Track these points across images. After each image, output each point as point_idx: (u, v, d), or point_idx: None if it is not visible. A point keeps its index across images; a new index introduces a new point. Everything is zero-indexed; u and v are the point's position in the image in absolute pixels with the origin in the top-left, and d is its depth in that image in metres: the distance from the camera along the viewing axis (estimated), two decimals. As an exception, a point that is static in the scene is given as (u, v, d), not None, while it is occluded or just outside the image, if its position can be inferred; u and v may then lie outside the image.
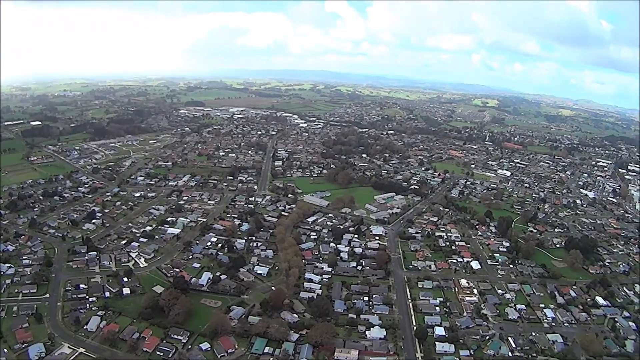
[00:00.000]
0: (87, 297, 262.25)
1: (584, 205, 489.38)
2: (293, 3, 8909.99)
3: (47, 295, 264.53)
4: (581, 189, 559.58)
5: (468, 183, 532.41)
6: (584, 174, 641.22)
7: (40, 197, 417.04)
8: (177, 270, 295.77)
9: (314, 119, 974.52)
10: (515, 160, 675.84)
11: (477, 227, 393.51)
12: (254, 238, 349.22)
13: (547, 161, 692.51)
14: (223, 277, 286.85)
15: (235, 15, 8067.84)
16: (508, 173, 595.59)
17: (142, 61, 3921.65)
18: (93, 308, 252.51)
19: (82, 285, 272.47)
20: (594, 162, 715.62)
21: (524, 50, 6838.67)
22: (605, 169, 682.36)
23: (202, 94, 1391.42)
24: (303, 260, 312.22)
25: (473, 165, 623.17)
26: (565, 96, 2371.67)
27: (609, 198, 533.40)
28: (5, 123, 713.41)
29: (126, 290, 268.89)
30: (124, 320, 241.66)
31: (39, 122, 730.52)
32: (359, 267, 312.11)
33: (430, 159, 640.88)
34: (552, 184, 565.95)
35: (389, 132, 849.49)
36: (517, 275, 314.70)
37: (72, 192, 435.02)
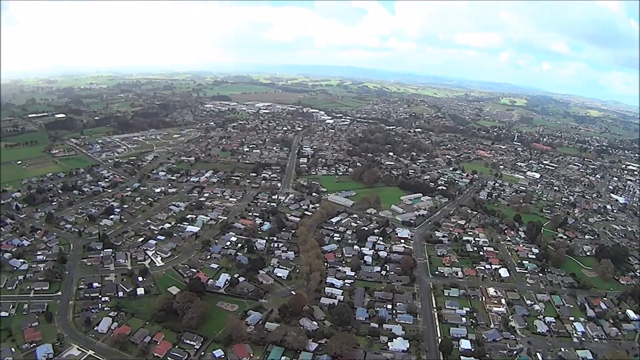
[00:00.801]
0: (100, 296, 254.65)
1: (615, 211, 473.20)
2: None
3: (59, 293, 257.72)
4: (611, 194, 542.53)
5: (497, 185, 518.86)
6: (614, 178, 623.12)
7: (59, 191, 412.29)
8: (194, 270, 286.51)
9: (341, 115, 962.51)
10: (544, 162, 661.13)
11: (505, 231, 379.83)
12: (275, 238, 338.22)
13: (576, 163, 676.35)
14: (241, 279, 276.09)
15: (261, 8, 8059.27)
16: (537, 175, 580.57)
17: (170, 54, 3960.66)
18: (105, 308, 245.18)
19: (95, 284, 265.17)
20: (623, 166, 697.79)
21: (552, 49, 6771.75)
22: (636, 172, 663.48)
23: (228, 88, 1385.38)
24: (325, 263, 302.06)
25: (502, 166, 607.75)
26: (593, 97, 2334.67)
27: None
28: (30, 115, 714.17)
29: (140, 291, 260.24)
30: (136, 322, 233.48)
31: (63, 115, 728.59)
32: (383, 272, 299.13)
33: (458, 159, 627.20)
34: (582, 188, 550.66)
35: (416, 130, 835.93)
36: (547, 285, 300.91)
37: (92, 187, 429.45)
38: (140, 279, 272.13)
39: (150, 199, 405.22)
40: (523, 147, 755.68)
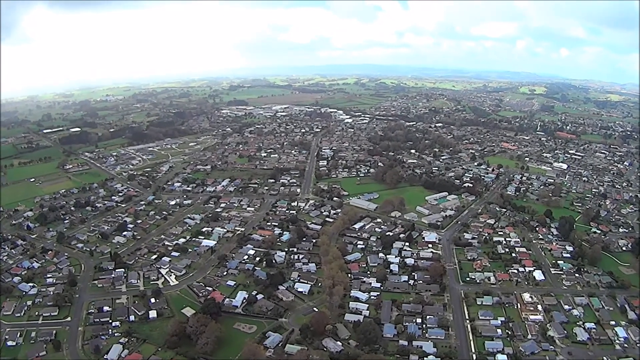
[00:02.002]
0: (110, 321, 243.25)
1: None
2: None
3: (69, 318, 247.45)
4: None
5: (524, 178, 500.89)
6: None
7: (72, 208, 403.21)
8: (210, 289, 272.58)
9: (359, 113, 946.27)
10: (570, 152, 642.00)
11: (537, 229, 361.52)
12: (295, 249, 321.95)
13: (602, 151, 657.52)
14: (259, 296, 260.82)
15: (277, 11, 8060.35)
16: (564, 166, 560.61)
17: (186, 62, 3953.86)
18: (116, 334, 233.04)
19: (105, 308, 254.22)
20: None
21: (569, 35, 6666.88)
22: None
23: (244, 92, 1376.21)
24: (349, 275, 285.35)
25: (527, 158, 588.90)
26: (612, 80, 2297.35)
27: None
28: (45, 131, 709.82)
29: (153, 314, 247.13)
30: (148, 348, 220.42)
31: (78, 129, 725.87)
32: (411, 282, 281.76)
33: (482, 153, 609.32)
34: (611, 177, 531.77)
35: (437, 124, 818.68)
36: (584, 286, 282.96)
37: (105, 202, 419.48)
38: (152, 300, 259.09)
39: (164, 212, 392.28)
40: (547, 137, 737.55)
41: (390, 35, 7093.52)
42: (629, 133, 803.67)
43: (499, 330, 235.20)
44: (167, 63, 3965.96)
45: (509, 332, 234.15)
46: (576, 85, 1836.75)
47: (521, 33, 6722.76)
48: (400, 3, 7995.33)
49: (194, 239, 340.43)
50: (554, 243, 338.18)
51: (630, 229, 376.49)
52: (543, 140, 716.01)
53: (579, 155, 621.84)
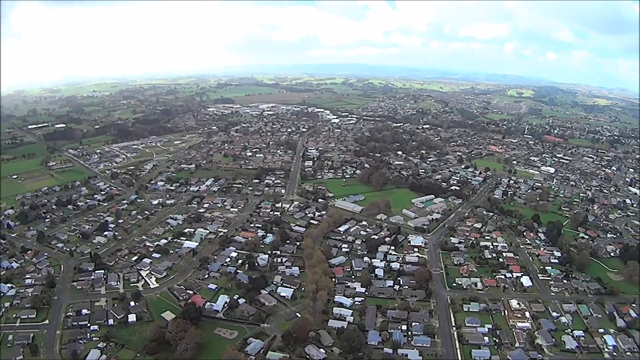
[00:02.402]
0: (89, 325, 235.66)
1: (635, 206, 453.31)
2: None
3: (47, 321, 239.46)
4: (629, 187, 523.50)
5: (511, 182, 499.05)
6: (630, 169, 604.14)
7: (54, 207, 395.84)
8: (190, 292, 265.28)
9: (347, 114, 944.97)
10: (558, 155, 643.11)
11: (524, 233, 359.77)
12: (278, 252, 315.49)
13: (590, 155, 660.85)
14: (241, 301, 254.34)
15: (267, 9, 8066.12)
16: (552, 170, 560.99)
17: (174, 59, 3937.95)
18: (94, 338, 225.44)
19: (84, 311, 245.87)
20: (638, 156, 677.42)
21: (557, 38, 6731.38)
22: None
23: (232, 90, 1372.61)
24: (333, 279, 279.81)
25: (515, 162, 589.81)
26: (599, 85, 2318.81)
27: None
28: (29, 126, 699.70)
29: (132, 317, 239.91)
30: (126, 354, 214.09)
31: (63, 125, 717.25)
32: (396, 287, 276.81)
33: (470, 155, 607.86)
34: (599, 181, 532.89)
35: (424, 126, 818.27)
36: (572, 293, 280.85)
37: (87, 200, 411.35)
38: (132, 303, 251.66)
39: (146, 212, 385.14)
40: (534, 140, 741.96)
41: (379, 35, 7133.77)
42: (616, 137, 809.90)
43: (486, 338, 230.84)
44: (156, 60, 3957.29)
45: (497, 340, 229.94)
46: (564, 89, 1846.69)
47: (509, 35, 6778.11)
48: (388, 3, 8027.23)
49: (175, 240, 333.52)
50: (541, 248, 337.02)
51: (618, 234, 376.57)
52: (531, 143, 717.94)
53: (567, 159, 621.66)
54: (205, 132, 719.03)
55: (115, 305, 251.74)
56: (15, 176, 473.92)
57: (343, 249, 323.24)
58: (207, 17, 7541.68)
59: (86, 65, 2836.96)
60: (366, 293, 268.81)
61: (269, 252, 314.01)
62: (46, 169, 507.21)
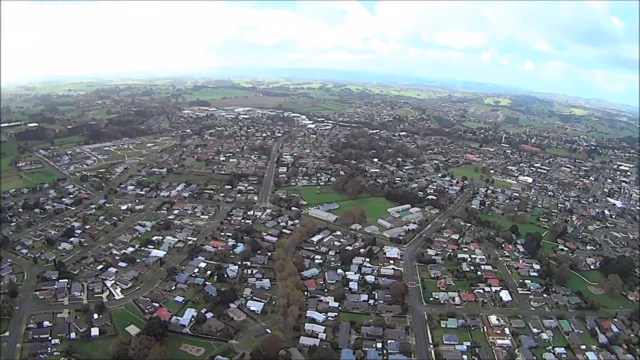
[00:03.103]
0: (50, 338, 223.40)
1: (613, 217, 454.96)
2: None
3: (7, 333, 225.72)
4: (608, 197, 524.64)
5: (489, 192, 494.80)
6: (608, 180, 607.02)
7: (20, 210, 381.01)
8: (156, 305, 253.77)
9: (323, 119, 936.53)
10: (535, 165, 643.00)
11: (503, 245, 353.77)
12: (249, 263, 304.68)
13: (568, 165, 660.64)
14: (209, 315, 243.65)
15: (244, 11, 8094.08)
16: (530, 179, 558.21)
17: (152, 60, 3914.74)
18: (55, 353, 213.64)
19: (46, 323, 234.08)
20: (615, 166, 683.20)
21: (535, 49, 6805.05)
22: (629, 173, 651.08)
23: (208, 93, 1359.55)
24: (305, 292, 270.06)
25: (492, 171, 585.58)
26: (576, 95, 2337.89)
27: (638, 207, 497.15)
28: (2, 125, 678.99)
29: (95, 331, 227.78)
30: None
31: (36, 124, 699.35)
32: (371, 301, 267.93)
33: (447, 164, 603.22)
34: (577, 192, 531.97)
35: (401, 133, 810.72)
36: (553, 308, 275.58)
37: (55, 204, 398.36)
38: (95, 316, 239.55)
39: (115, 217, 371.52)
40: (512, 149, 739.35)
41: (356, 41, 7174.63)
42: (593, 147, 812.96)
43: (464, 357, 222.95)
44: (134, 60, 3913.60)
45: (475, 359, 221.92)
46: (540, 99, 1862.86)
47: (487, 44, 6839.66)
48: (366, 7, 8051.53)
49: (143, 248, 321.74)
50: (520, 261, 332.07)
51: (597, 246, 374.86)
52: (508, 152, 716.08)
53: (544, 169, 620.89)
54: (179, 135, 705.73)
55: (78, 317, 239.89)
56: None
57: (316, 261, 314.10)
58: (184, 17, 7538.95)
59: (63, 64, 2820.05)
60: (339, 308, 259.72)
61: (239, 263, 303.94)
62: (15, 169, 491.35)
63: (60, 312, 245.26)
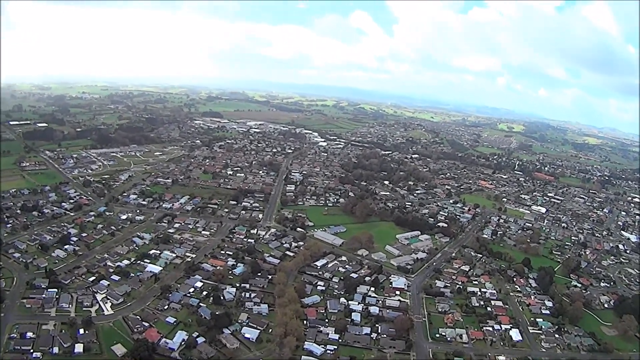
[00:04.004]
0: (32, 351, 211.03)
1: (628, 252, 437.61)
2: (318, 16, 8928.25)
3: None
4: (622, 231, 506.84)
5: (501, 221, 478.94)
6: (622, 212, 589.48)
7: (18, 212, 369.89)
8: (146, 324, 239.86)
9: (335, 137, 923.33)
10: (549, 194, 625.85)
11: (514, 279, 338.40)
12: (247, 286, 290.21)
13: (582, 196, 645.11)
14: (200, 340, 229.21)
15: (260, 26, 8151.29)
16: (543, 210, 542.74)
17: (168, 67, 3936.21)
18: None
19: (29, 334, 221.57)
20: (629, 198, 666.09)
21: (549, 75, 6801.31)
22: None
23: (222, 104, 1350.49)
24: (305, 322, 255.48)
25: (505, 199, 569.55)
26: (589, 123, 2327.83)
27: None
28: (11, 122, 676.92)
29: (79, 348, 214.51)
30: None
31: (45, 124, 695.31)
32: (374, 335, 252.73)
33: (459, 190, 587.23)
34: (591, 224, 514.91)
35: (413, 156, 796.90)
36: (564, 349, 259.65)
37: (54, 208, 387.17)
38: (81, 331, 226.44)
39: (113, 227, 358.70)
40: (525, 177, 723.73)
41: (371, 60, 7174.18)
42: (607, 178, 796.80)
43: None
44: (150, 66, 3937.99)
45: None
46: (554, 126, 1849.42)
47: (502, 69, 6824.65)
48: (384, 28, 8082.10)
49: (139, 261, 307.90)
50: (532, 297, 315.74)
51: (611, 283, 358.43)
52: (521, 180, 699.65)
53: (558, 199, 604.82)
54: (188, 145, 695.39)
55: (63, 331, 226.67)
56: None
57: (318, 287, 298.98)
58: (203, 29, 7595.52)
59: (78, 65, 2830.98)
60: (340, 341, 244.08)
61: (238, 285, 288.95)
62: (19, 169, 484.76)
63: (45, 324, 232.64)
